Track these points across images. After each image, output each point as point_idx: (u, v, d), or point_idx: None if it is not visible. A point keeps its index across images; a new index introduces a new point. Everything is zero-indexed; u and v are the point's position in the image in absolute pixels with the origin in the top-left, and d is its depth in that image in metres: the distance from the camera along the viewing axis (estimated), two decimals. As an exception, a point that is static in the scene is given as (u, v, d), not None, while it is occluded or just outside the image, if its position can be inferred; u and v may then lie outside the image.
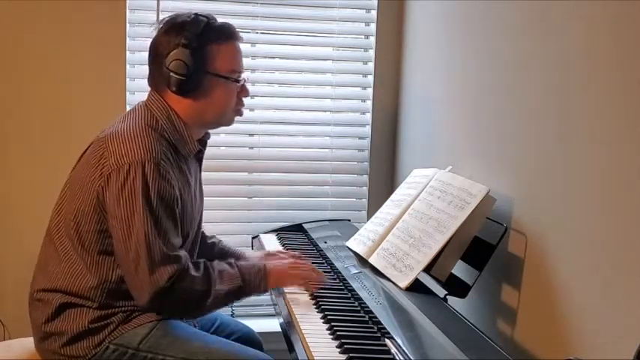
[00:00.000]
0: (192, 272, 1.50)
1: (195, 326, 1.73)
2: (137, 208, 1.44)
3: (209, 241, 1.93)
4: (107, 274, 1.51)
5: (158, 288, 1.44)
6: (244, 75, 1.66)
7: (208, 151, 2.52)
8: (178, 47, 1.52)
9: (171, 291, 1.45)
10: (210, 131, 2.50)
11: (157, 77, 1.58)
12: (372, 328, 1.41)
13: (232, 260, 1.62)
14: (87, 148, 1.59)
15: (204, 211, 1.81)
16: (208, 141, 2.51)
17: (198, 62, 1.53)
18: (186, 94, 1.56)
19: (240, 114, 1.69)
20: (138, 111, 1.59)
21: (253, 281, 1.57)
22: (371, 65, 2.62)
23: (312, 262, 1.90)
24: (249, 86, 2.54)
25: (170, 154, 1.53)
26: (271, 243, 2.15)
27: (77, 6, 2.30)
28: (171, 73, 1.53)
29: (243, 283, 1.55)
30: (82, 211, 1.51)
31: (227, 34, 1.60)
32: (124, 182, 1.44)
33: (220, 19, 2.52)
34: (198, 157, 1.72)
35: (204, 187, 2.49)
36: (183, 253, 1.52)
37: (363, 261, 1.81)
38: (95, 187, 1.48)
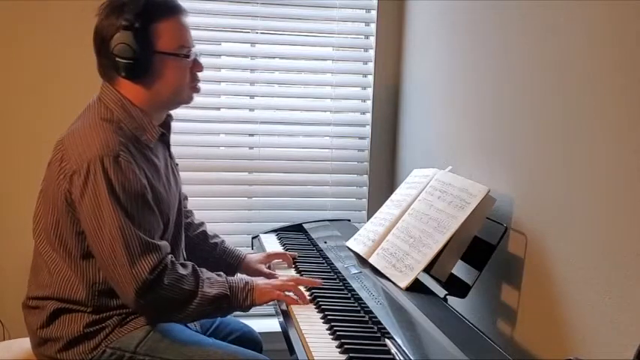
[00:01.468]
0: (181, 270, 1.49)
1: (195, 326, 1.73)
2: (103, 203, 1.41)
3: (211, 241, 1.92)
4: (94, 277, 1.50)
5: (142, 281, 1.41)
6: (195, 49, 1.59)
7: (208, 150, 2.55)
8: (120, 30, 1.46)
9: (157, 285, 1.43)
10: (209, 131, 2.56)
11: (105, 65, 1.52)
12: (372, 328, 1.41)
13: (220, 272, 1.59)
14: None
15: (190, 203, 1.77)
16: (211, 141, 2.55)
17: (143, 43, 1.47)
18: (137, 78, 1.50)
19: (197, 90, 1.63)
20: (92, 107, 1.55)
21: (240, 295, 1.54)
22: (371, 65, 2.62)
23: (312, 262, 1.91)
24: (249, 86, 2.58)
25: (131, 143, 1.49)
26: (271, 243, 2.15)
27: (77, 6, 2.30)
28: (118, 59, 1.47)
29: (229, 292, 1.52)
30: (57, 218, 1.50)
31: (169, 10, 1.52)
32: (86, 181, 1.42)
33: (220, 20, 2.55)
34: (165, 141, 1.67)
35: (206, 186, 2.53)
36: (163, 243, 1.50)
37: (363, 261, 1.81)
38: (62, 191, 1.46)
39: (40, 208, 1.56)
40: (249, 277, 1.62)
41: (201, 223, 1.95)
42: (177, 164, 1.78)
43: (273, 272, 1.85)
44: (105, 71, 1.54)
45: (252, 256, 1.95)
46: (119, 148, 1.44)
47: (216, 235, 1.95)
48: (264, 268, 1.89)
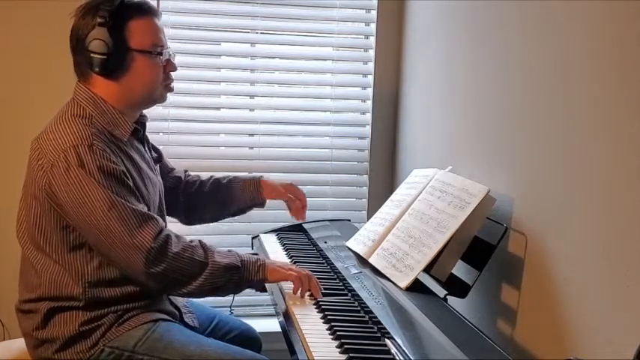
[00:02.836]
0: (189, 242, 1.51)
1: (193, 322, 1.73)
2: (88, 188, 1.43)
3: (224, 181, 1.95)
4: (83, 269, 1.51)
5: (147, 250, 1.43)
6: (170, 50, 1.64)
7: (208, 150, 2.55)
8: (96, 27, 1.50)
9: (164, 255, 1.45)
10: (209, 131, 2.56)
11: (80, 63, 1.56)
12: (372, 328, 1.41)
13: (230, 248, 1.62)
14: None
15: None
16: (211, 141, 2.56)
17: (118, 40, 1.51)
18: (111, 74, 1.54)
19: (171, 90, 1.66)
20: (65, 106, 1.58)
21: (252, 267, 1.55)
22: (371, 65, 2.62)
23: (312, 262, 1.90)
24: (249, 86, 2.58)
25: (104, 136, 1.51)
26: (271, 243, 2.14)
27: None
28: (92, 54, 1.51)
29: (241, 265, 1.53)
30: (40, 215, 1.51)
31: (143, 10, 1.57)
32: (66, 171, 1.44)
33: (220, 20, 2.55)
34: (139, 138, 1.68)
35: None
36: (157, 216, 1.52)
37: (363, 261, 1.81)
38: (43, 187, 1.48)
39: (22, 211, 1.58)
40: (260, 256, 1.64)
41: (211, 176, 1.98)
42: (156, 166, 1.79)
43: (292, 197, 1.95)
44: (80, 69, 1.57)
45: (270, 182, 1.99)
46: (92, 138, 1.47)
47: (227, 176, 1.99)
48: (283, 191, 1.97)
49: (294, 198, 2.00)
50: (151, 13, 1.59)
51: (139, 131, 1.66)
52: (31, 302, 1.55)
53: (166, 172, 1.92)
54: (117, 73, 1.54)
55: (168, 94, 1.67)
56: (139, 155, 1.64)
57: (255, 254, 2.04)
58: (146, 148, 1.72)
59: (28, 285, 1.57)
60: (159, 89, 1.62)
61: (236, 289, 1.58)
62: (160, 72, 1.61)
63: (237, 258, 1.55)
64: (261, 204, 1.99)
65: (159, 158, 1.83)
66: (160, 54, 1.59)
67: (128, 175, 1.52)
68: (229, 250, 1.58)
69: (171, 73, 1.65)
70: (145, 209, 1.53)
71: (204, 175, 2.00)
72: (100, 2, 1.53)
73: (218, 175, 2.00)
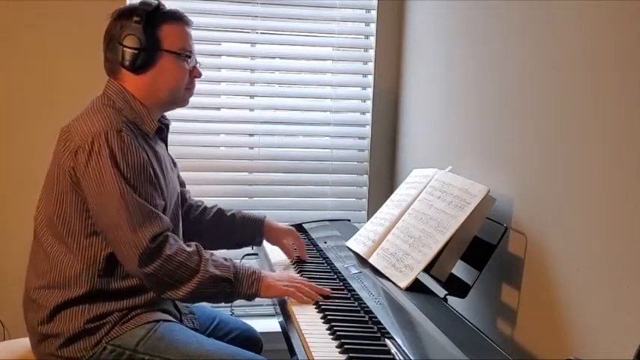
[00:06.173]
0: (185, 247, 1.52)
1: (193, 323, 1.73)
2: (106, 173, 1.47)
3: (229, 213, 1.95)
4: (96, 256, 1.53)
5: (143, 248, 1.45)
6: (197, 60, 1.71)
7: (208, 150, 2.56)
8: (131, 25, 1.57)
9: (157, 256, 1.46)
10: (209, 131, 2.56)
11: (111, 60, 1.62)
12: (372, 328, 1.41)
13: (228, 257, 1.61)
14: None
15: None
16: (211, 141, 2.56)
17: (150, 38, 1.58)
18: (139, 69, 1.59)
19: (191, 94, 1.72)
20: (96, 99, 1.63)
21: (245, 282, 1.55)
22: (371, 65, 2.63)
23: (312, 262, 1.90)
24: (249, 86, 2.59)
25: (131, 128, 1.55)
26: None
27: (77, 6, 2.30)
28: (125, 48, 1.57)
29: (234, 278, 1.53)
30: (61, 199, 1.53)
31: (177, 17, 1.65)
32: (90, 153, 1.48)
33: (220, 20, 2.56)
34: (162, 138, 1.74)
35: (206, 186, 2.54)
36: (165, 217, 1.53)
37: (363, 261, 1.81)
38: (67, 170, 1.51)
39: (42, 197, 1.61)
40: (257, 268, 1.63)
41: (215, 205, 1.98)
42: (175, 164, 1.83)
43: (294, 248, 1.90)
44: (110, 66, 1.63)
45: (274, 225, 1.96)
46: (122, 125, 1.52)
47: (230, 209, 1.98)
48: (286, 242, 1.92)
49: (291, 245, 1.94)
50: (183, 20, 1.66)
51: (162, 131, 1.71)
52: (39, 289, 1.55)
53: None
54: (145, 68, 1.60)
55: (189, 98, 1.72)
56: (161, 152, 1.68)
57: (255, 254, 2.05)
58: (167, 149, 1.76)
59: (37, 271, 1.58)
60: (182, 91, 1.67)
61: (227, 300, 1.59)
62: (186, 75, 1.66)
63: (231, 270, 1.54)
64: (258, 243, 1.98)
65: (174, 163, 1.85)
66: (188, 57, 1.65)
67: (151, 165, 1.55)
68: (226, 260, 1.58)
69: (196, 79, 1.71)
70: (162, 204, 1.55)
71: (209, 202, 1.98)
72: (136, 5, 1.60)
73: (222, 206, 1.98)
